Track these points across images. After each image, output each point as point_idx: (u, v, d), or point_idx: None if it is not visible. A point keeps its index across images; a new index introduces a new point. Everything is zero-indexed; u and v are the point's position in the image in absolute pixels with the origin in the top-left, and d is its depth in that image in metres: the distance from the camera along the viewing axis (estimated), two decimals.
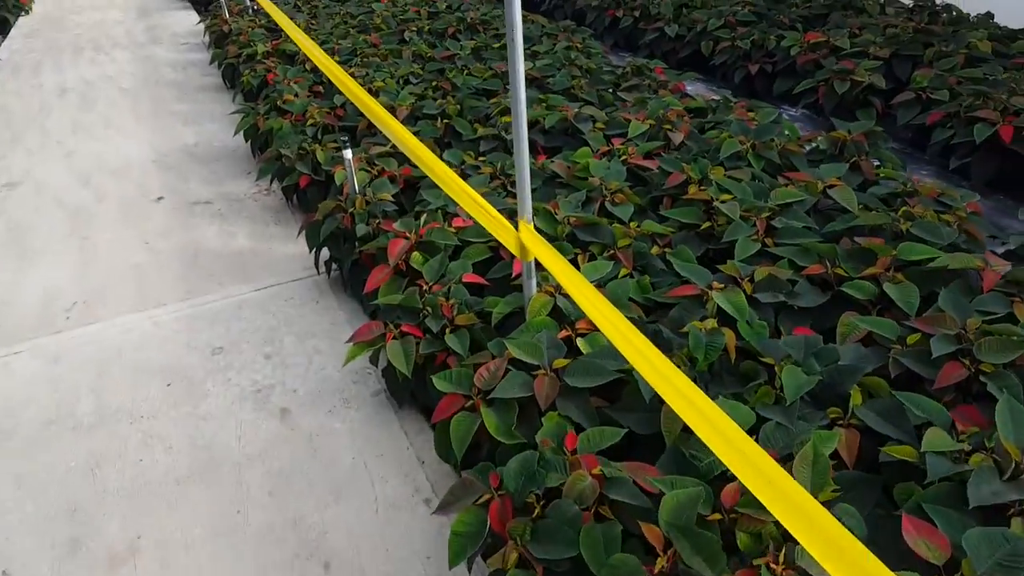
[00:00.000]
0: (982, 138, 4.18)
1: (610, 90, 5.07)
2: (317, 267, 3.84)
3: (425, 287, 2.99)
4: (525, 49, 5.69)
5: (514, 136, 2.23)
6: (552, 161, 3.93)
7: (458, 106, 4.77)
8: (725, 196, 3.33)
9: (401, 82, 5.45)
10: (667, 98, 4.70)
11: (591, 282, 2.26)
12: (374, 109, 3.30)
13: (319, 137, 4.73)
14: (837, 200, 3.35)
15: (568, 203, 3.36)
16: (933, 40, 5.44)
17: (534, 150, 4.35)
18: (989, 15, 5.94)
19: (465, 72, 5.51)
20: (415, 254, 3.17)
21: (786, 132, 4.08)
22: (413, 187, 4.01)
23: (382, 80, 5.28)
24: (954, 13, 6.18)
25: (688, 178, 3.61)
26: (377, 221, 3.54)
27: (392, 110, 4.74)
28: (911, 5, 6.51)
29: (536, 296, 2.69)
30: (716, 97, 4.86)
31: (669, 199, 3.62)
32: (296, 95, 5.24)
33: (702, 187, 3.50)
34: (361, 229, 3.48)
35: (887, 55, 5.36)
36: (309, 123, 4.77)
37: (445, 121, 4.62)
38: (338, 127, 4.82)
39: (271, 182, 4.90)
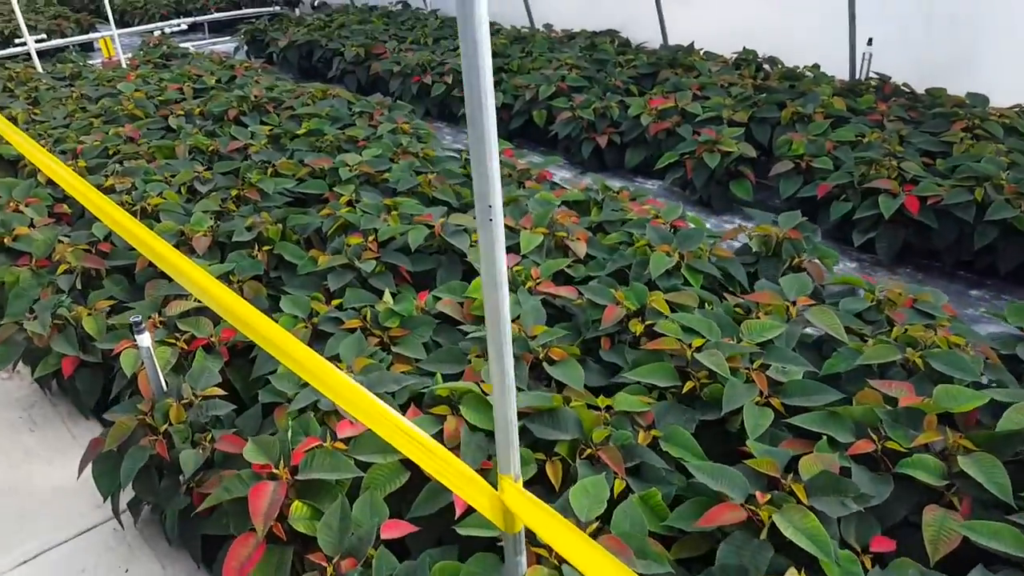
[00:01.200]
0: (891, 212, 3.84)
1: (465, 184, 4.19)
2: (116, 514, 2.53)
3: (327, 566, 1.89)
4: (340, 133, 4.67)
5: (491, 341, 1.30)
6: (437, 299, 2.97)
7: (278, 224, 3.64)
8: (697, 340, 2.56)
9: (184, 192, 4.18)
10: (542, 193, 3.91)
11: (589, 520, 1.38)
12: (155, 247, 2.11)
13: (83, 290, 3.36)
14: (818, 325, 2.71)
15: None
16: (782, 99, 5.20)
17: (398, 275, 3.35)
18: (816, 66, 5.89)
19: (270, 171, 4.37)
20: (295, 504, 2.05)
21: (707, 237, 3.43)
22: (245, 354, 2.85)
23: (158, 194, 3.99)
24: (779, 66, 6.08)
25: (627, 311, 2.81)
26: (209, 436, 2.36)
27: (184, 242, 3.50)
28: (733, 59, 6.36)
29: None
30: (589, 182, 4.17)
31: (607, 340, 2.80)
32: (32, 224, 3.78)
33: (646, 322, 2.73)
34: (189, 459, 2.27)
35: (744, 119, 5.02)
36: (61, 270, 3.38)
37: (266, 249, 3.47)
38: (107, 270, 3.47)
39: (14, 366, 3.41)
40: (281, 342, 1.68)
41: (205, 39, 12.10)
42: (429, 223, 3.52)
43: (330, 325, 2.88)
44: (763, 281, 3.07)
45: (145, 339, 2.37)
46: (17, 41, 9.67)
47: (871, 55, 5.64)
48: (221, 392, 2.53)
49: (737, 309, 2.88)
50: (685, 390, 2.46)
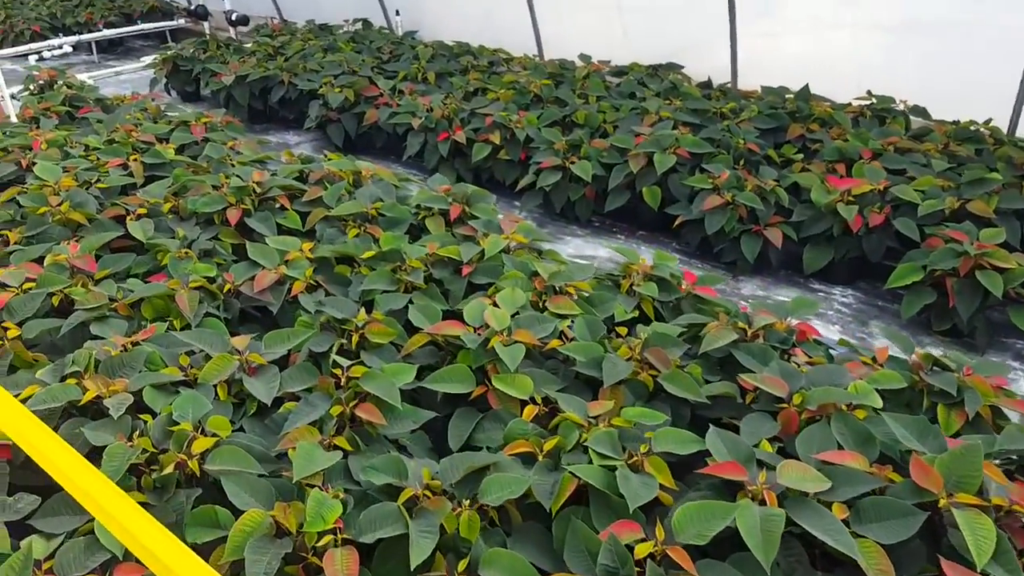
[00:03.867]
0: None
1: None
2: None
3: None
4: (429, 254, 3.02)
5: None
6: None
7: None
8: None
9: (234, 409, 2.43)
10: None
11: None
12: None
13: None
14: None
15: None
16: (1006, 178, 3.94)
17: None
18: (988, 121, 4.67)
19: (364, 341, 2.66)
20: None
21: None
22: None
23: (201, 431, 2.23)
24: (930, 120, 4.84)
25: None
26: None
27: None
28: (859, 107, 5.06)
29: None
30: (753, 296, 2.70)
31: None
32: None
33: None
34: None
35: (988, 211, 3.71)
36: None
37: None
38: None
39: None
40: None
41: (96, 61, 9.79)
42: None
43: None
44: None
45: None
46: None
47: None
48: None
49: None
50: None
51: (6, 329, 2.80)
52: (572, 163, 4.62)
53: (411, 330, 2.84)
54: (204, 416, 2.28)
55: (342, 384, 2.45)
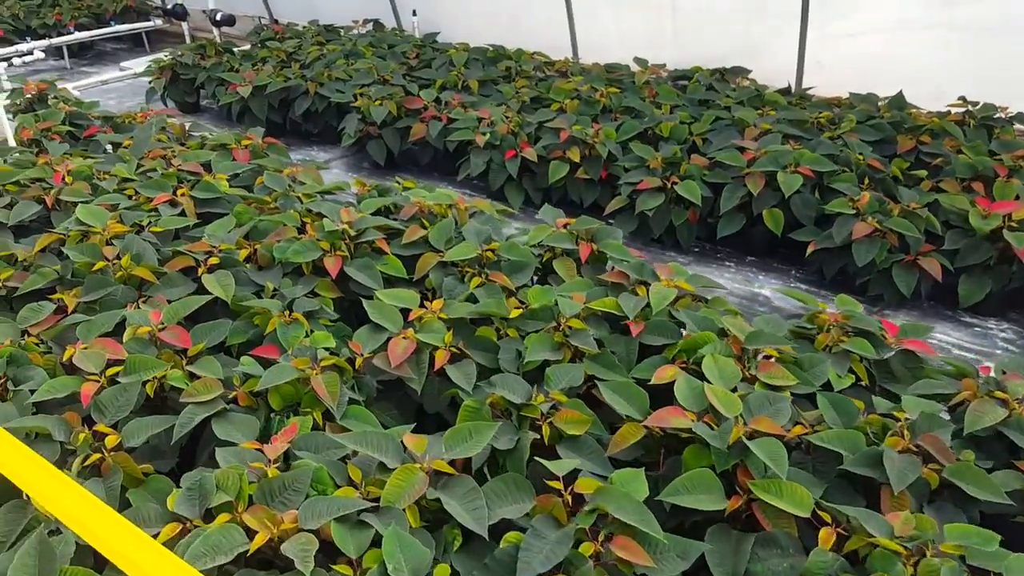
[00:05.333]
0: None
1: None
2: None
3: None
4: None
5: None
6: None
7: None
8: None
9: None
10: None
11: None
12: None
13: None
14: None
15: None
16: None
17: None
18: None
19: None
20: None
21: None
22: None
23: None
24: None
25: None
26: None
27: None
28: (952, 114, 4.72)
29: None
30: None
31: None
32: None
33: None
34: None
35: None
36: None
37: None
38: None
39: None
40: None
41: (68, 68, 8.98)
42: None
43: None
44: None
45: None
46: None
47: None
48: None
49: None
50: None
51: (100, 435, 2.25)
52: (674, 183, 4.17)
53: (591, 406, 2.37)
54: (421, 564, 1.77)
55: (568, 503, 1.96)
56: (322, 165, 4.30)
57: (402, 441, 2.15)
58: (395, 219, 3.60)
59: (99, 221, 3.32)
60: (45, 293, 3.05)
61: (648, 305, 2.81)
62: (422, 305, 2.90)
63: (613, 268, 3.14)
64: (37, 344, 2.70)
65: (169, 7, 9.70)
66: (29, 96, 5.82)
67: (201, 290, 3.02)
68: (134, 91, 7.81)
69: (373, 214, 3.59)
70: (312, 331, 2.77)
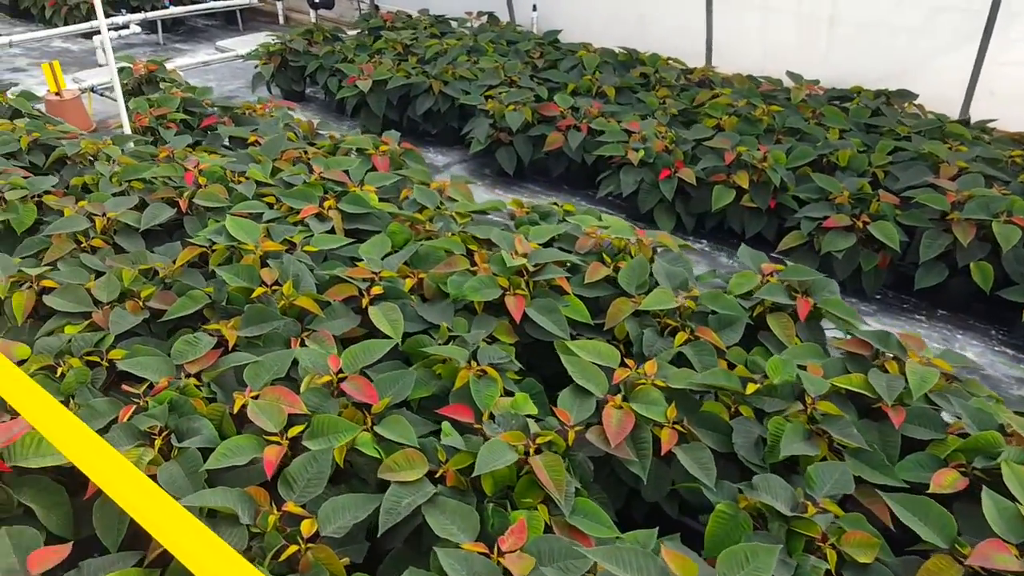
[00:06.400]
0: None
1: None
2: None
3: None
4: None
5: None
6: None
7: None
8: None
9: None
10: None
11: None
12: None
13: None
14: None
15: None
16: None
17: None
18: None
19: None
20: None
21: None
22: None
23: None
24: None
25: None
26: None
27: None
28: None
29: None
30: None
31: None
32: None
33: None
34: None
35: None
36: None
37: None
38: None
39: None
40: None
41: (161, 43, 8.75)
42: None
43: None
44: None
45: None
46: None
47: None
48: None
49: None
50: None
51: (291, 517, 1.89)
52: (865, 223, 3.72)
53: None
54: None
55: None
56: (470, 180, 3.92)
57: (664, 559, 1.76)
58: (565, 249, 3.22)
59: (250, 237, 2.99)
60: (193, 318, 2.73)
61: (906, 385, 2.38)
62: (624, 364, 2.51)
63: (850, 336, 2.70)
64: (199, 387, 2.36)
65: None
66: (137, 76, 5.55)
67: (366, 323, 2.68)
68: (233, 73, 7.54)
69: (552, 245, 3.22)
70: (504, 388, 2.40)
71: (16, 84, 5.41)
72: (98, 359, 2.48)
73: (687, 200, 4.42)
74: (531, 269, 2.91)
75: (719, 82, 5.64)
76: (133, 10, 8.84)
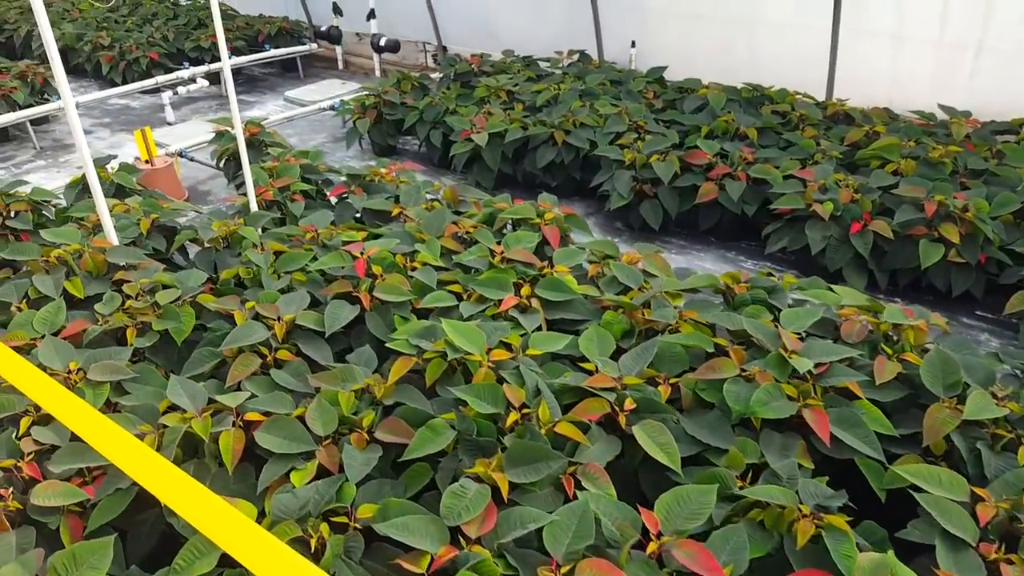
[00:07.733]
0: None
1: None
2: None
3: None
4: None
5: None
6: None
7: None
8: None
9: None
10: None
11: None
12: None
13: None
14: None
15: None
16: None
17: None
18: None
19: None
20: None
21: None
22: None
23: None
24: None
25: None
26: None
27: None
28: None
29: None
30: None
31: None
32: None
33: None
34: None
35: None
36: None
37: None
38: None
39: None
40: None
41: (223, 95, 8.37)
42: None
43: None
44: None
45: None
46: None
47: None
48: None
49: None
50: None
51: None
52: None
53: None
54: None
55: None
56: (660, 248, 3.48)
57: None
58: (819, 336, 2.77)
59: (475, 345, 2.55)
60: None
61: None
62: (977, 496, 2.06)
63: None
64: (495, 562, 1.90)
65: (323, 29, 9.10)
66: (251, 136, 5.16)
67: (630, 450, 2.24)
68: (312, 127, 7.15)
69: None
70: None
71: (114, 156, 5.01)
72: (345, 518, 2.04)
73: (880, 256, 3.97)
74: (814, 372, 2.46)
75: (859, 117, 5.21)
76: (192, 61, 8.51)
